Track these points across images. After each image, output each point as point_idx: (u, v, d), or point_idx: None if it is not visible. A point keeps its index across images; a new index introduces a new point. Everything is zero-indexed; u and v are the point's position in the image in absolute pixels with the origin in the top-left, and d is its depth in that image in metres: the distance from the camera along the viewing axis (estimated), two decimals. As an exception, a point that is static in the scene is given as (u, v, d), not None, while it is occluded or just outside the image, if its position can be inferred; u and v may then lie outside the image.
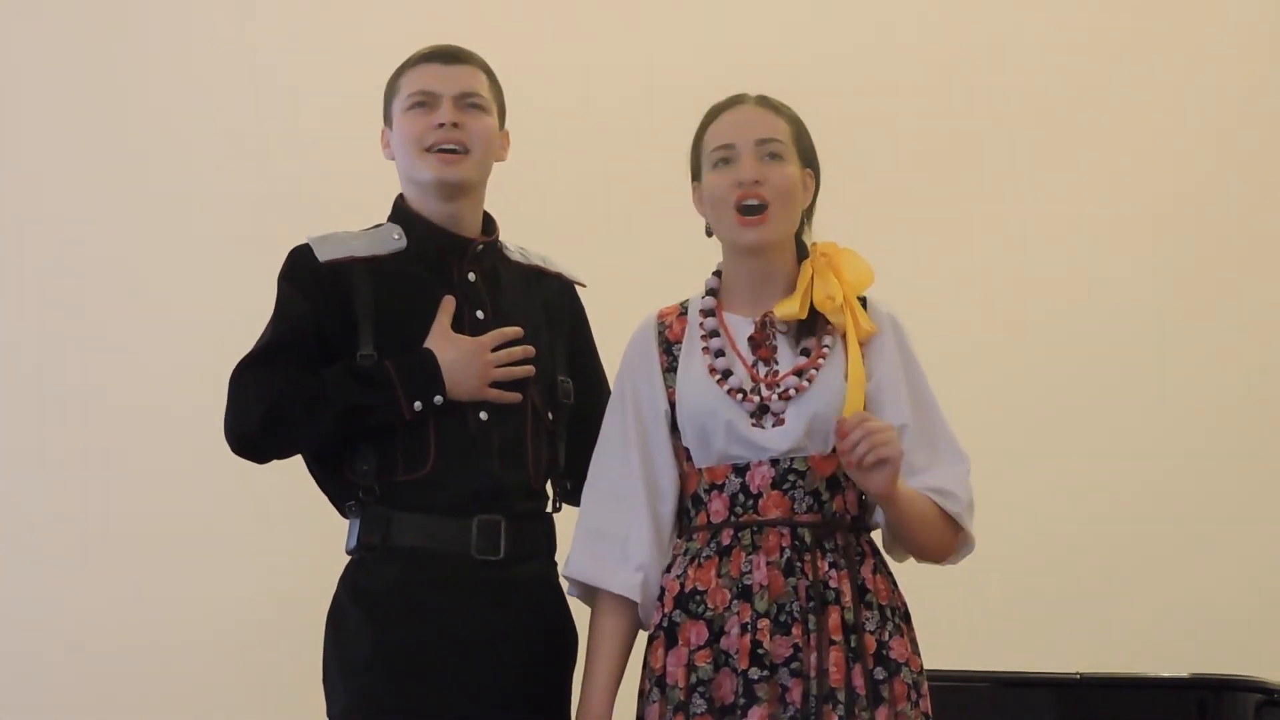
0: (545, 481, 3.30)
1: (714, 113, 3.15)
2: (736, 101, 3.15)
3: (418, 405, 3.16)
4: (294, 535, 4.98)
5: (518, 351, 3.23)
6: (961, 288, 5.37)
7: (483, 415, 3.22)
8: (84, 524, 5.18)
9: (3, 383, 5.27)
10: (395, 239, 3.29)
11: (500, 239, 3.38)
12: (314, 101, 5.37)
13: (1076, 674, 4.16)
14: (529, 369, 3.24)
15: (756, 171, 3.06)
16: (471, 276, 3.29)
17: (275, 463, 3.30)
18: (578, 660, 3.26)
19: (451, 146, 3.25)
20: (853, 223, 3.20)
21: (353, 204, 3.47)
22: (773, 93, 3.17)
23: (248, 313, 3.39)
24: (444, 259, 3.29)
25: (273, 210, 5.16)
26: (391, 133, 3.33)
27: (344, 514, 3.26)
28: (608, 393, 3.31)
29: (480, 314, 3.27)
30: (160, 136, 5.35)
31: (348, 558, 3.28)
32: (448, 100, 3.27)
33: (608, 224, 5.19)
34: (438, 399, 3.17)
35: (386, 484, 3.19)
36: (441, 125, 3.25)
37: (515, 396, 3.22)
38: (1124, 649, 4.91)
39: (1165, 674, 4.16)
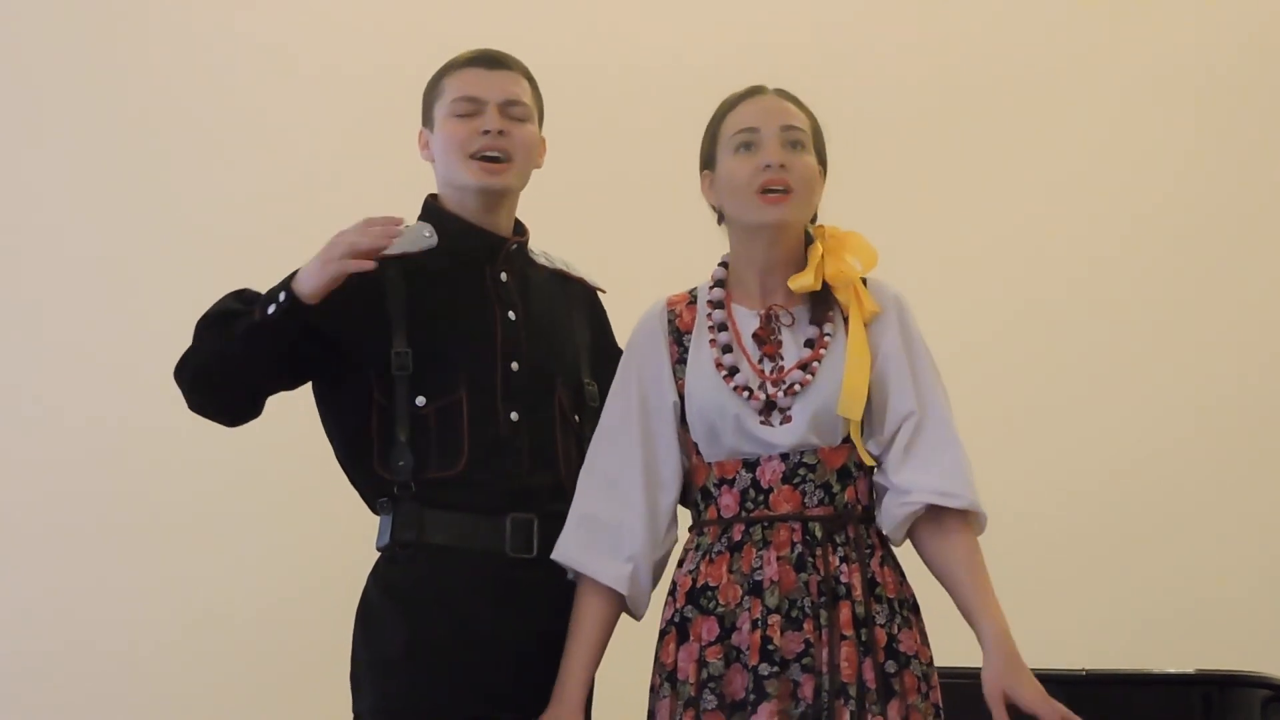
0: (573, 483, 3.26)
1: (733, 101, 3.14)
2: (756, 91, 3.15)
3: (271, 309, 3.07)
4: (300, 535, 5.00)
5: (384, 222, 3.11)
6: (948, 280, 5.35)
7: (513, 416, 3.22)
8: (89, 524, 5.16)
9: (4, 379, 5.26)
10: (427, 236, 3.29)
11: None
12: (312, 103, 5.37)
13: (1082, 670, 4.16)
14: (396, 226, 3.11)
15: (781, 156, 3.06)
16: (503, 277, 3.29)
17: (280, 462, 3.30)
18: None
19: (495, 154, 3.25)
20: (844, 212, 3.21)
21: (355, 203, 3.47)
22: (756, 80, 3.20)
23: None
24: (476, 258, 3.29)
25: (271, 208, 5.17)
26: (431, 135, 3.33)
27: (375, 510, 3.25)
28: None
29: (512, 314, 3.27)
30: (151, 135, 5.34)
31: (350, 555, 3.30)
32: (493, 107, 3.27)
33: (615, 222, 5.19)
34: (281, 295, 3.07)
35: (420, 481, 3.19)
36: (486, 133, 3.24)
37: (369, 264, 3.07)
38: (1130, 645, 4.90)
39: (1171, 670, 4.17)
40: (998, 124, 5.45)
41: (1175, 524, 5.23)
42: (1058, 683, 4.12)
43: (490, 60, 3.32)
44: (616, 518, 3.09)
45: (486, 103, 3.27)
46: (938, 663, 3.08)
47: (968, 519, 3.08)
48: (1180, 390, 5.33)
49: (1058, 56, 5.48)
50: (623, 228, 5.18)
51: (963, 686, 3.15)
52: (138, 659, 5.11)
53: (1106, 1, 5.53)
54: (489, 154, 3.25)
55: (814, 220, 3.15)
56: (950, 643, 3.14)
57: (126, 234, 5.28)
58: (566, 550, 3.12)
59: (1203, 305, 5.39)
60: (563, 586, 3.18)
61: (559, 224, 3.59)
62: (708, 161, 3.15)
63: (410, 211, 3.33)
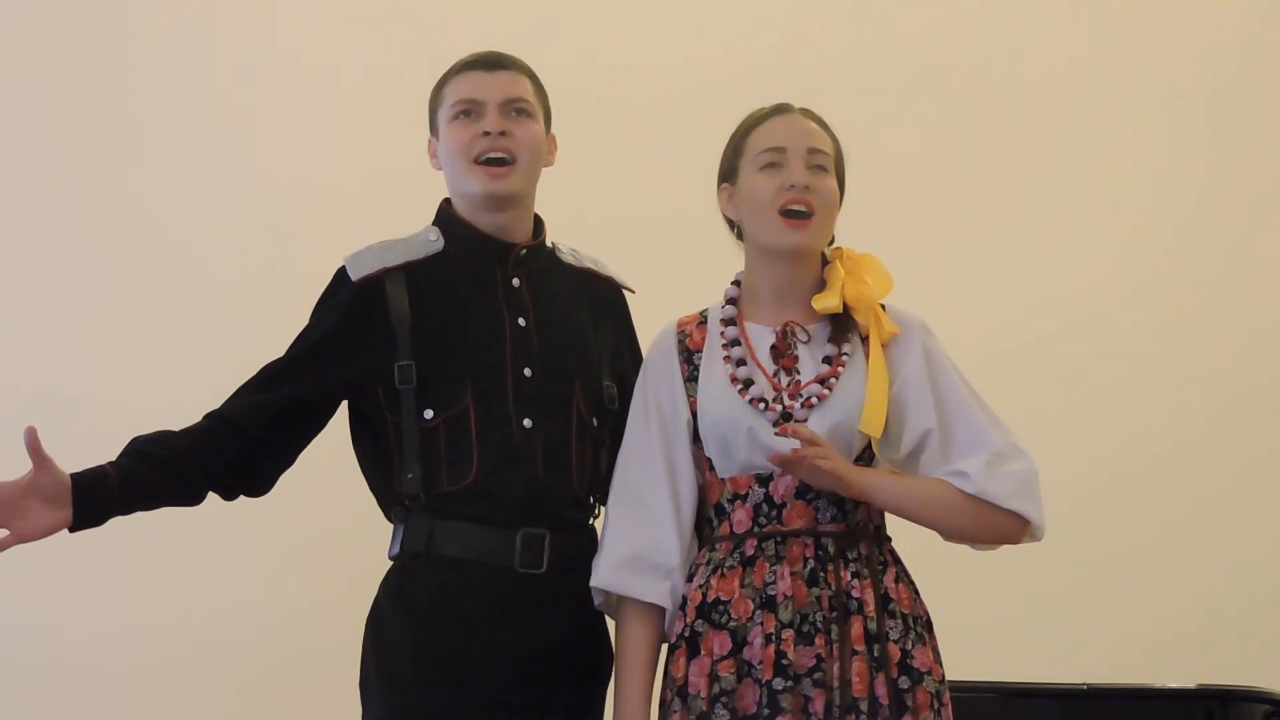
0: (590, 489, 3.28)
1: (760, 117, 3.15)
2: (784, 109, 3.16)
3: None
4: (316, 540, 4.99)
5: None
6: (946, 287, 5.33)
7: (526, 423, 3.20)
8: (97, 530, 5.13)
9: (6, 379, 5.24)
10: (432, 240, 3.28)
11: (551, 241, 3.36)
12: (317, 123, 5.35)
13: (1084, 685, 4.17)
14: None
15: (806, 178, 3.07)
16: (515, 282, 3.27)
17: (297, 467, 3.30)
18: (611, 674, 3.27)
19: (499, 156, 3.23)
20: (855, 228, 3.22)
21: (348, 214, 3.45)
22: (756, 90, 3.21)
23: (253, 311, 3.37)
24: (486, 265, 3.27)
25: (258, 221, 5.17)
26: (438, 143, 3.31)
27: (390, 518, 3.26)
28: None
29: (522, 321, 3.25)
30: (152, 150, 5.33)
31: (366, 562, 3.30)
32: (493, 107, 3.25)
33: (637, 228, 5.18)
34: None
35: (431, 494, 3.18)
36: (487, 134, 3.23)
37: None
38: (1132, 659, 4.91)
39: (1172, 685, 4.17)
40: (1005, 127, 5.44)
41: (1177, 539, 5.22)
42: (1060, 698, 4.17)
43: (489, 62, 3.30)
44: (651, 537, 3.09)
45: (486, 104, 3.26)
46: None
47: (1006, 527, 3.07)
48: (1180, 405, 5.33)
49: (1073, 61, 5.47)
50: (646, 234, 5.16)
51: (959, 702, 3.15)
52: (147, 666, 5.08)
53: (1129, 16, 5.52)
54: (492, 156, 3.23)
55: (831, 242, 3.17)
56: (947, 658, 3.11)
57: (117, 239, 5.27)
58: (606, 577, 3.12)
59: (1203, 319, 5.39)
60: (572, 599, 3.18)
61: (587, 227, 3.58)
62: (728, 174, 3.16)
63: (406, 226, 3.33)
